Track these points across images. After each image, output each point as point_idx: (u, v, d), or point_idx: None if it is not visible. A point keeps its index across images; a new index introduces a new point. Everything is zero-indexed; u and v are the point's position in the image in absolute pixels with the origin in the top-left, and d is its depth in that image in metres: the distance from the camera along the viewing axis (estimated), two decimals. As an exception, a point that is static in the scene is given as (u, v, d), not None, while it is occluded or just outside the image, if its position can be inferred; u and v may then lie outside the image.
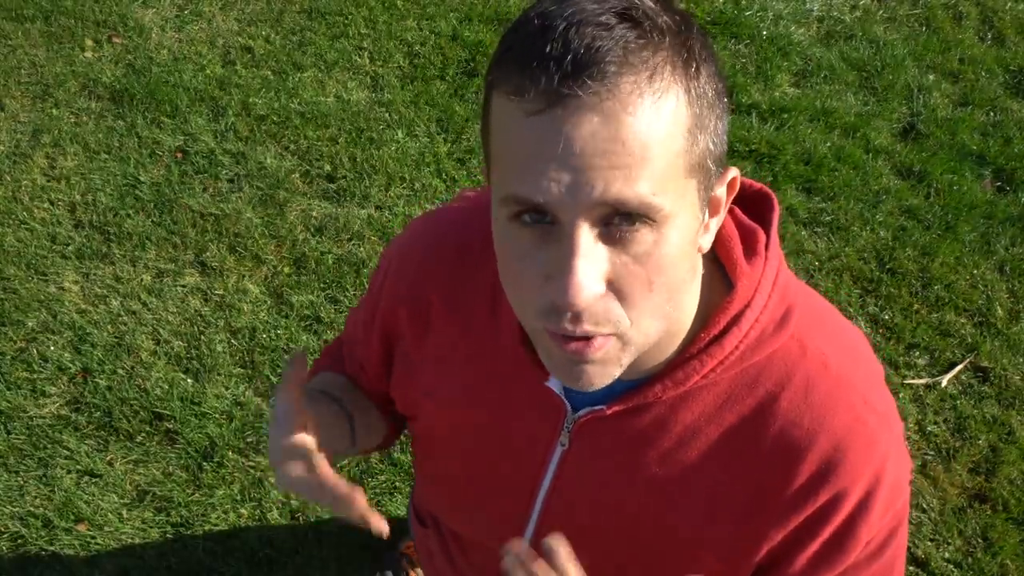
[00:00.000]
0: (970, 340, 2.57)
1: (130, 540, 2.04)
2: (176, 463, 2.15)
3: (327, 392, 0.94)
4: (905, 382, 2.46)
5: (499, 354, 0.87)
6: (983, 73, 3.31)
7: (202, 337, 2.35)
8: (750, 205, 0.84)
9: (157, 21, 3.09)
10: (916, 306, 2.63)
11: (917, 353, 2.53)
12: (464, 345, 0.90)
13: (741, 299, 0.77)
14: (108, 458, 2.14)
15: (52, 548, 2.01)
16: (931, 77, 3.26)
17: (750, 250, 0.79)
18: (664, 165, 0.62)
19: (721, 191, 0.72)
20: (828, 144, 2.98)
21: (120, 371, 2.28)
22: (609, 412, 0.81)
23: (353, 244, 2.57)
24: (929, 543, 2.19)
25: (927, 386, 2.47)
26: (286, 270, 2.51)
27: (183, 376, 2.28)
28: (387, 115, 2.90)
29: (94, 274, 2.46)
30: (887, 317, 2.59)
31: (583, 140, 0.60)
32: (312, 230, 2.60)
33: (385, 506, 2.13)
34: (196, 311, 2.40)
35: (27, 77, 2.89)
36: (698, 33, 0.65)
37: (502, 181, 0.65)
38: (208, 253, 2.51)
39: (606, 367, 0.69)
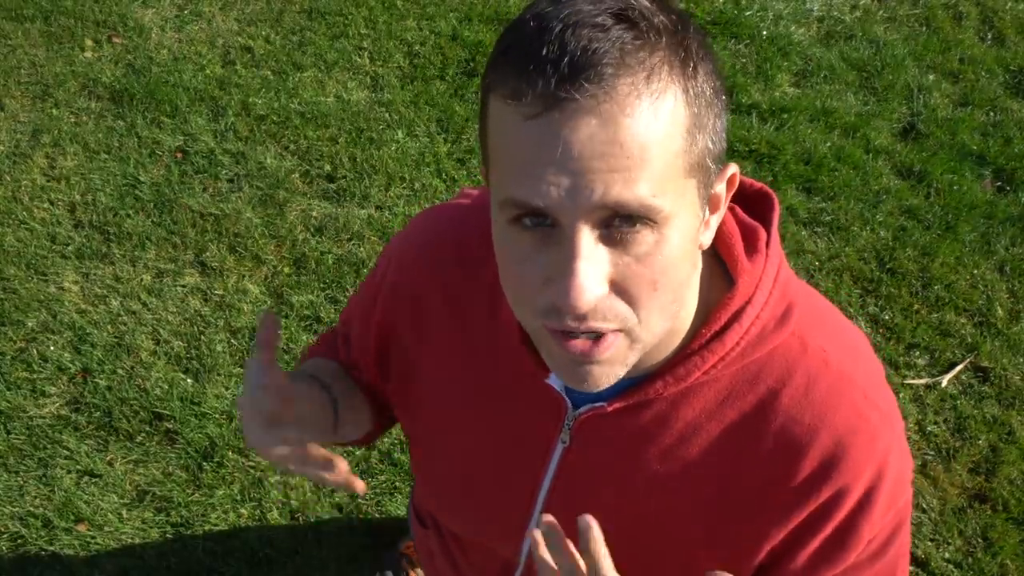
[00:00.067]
0: (970, 340, 2.56)
1: (130, 540, 2.04)
2: (176, 463, 2.15)
3: (317, 377, 0.93)
4: (905, 382, 2.46)
5: (498, 352, 0.86)
6: (983, 73, 3.31)
7: (202, 337, 2.35)
8: (751, 204, 0.84)
9: (157, 21, 3.09)
10: (916, 306, 2.63)
11: (917, 353, 2.53)
12: (463, 343, 0.90)
13: (742, 295, 0.77)
14: (108, 458, 2.14)
15: (52, 548, 2.01)
16: (931, 77, 3.26)
17: (751, 247, 0.79)
18: (663, 166, 0.62)
19: (721, 188, 0.72)
20: (828, 144, 2.98)
21: (120, 371, 2.27)
22: (610, 409, 0.81)
23: (353, 244, 2.57)
24: (929, 543, 2.19)
25: (927, 386, 2.47)
26: (286, 270, 2.51)
27: (183, 376, 2.28)
28: (387, 115, 2.90)
29: (94, 274, 2.46)
30: (887, 317, 2.59)
31: (581, 143, 0.59)
32: (312, 230, 2.60)
33: (385, 506, 2.13)
34: (196, 311, 2.40)
35: (27, 77, 2.89)
36: (695, 32, 0.65)
37: (501, 184, 0.65)
38: (208, 253, 2.51)
39: (612, 367, 0.69)
